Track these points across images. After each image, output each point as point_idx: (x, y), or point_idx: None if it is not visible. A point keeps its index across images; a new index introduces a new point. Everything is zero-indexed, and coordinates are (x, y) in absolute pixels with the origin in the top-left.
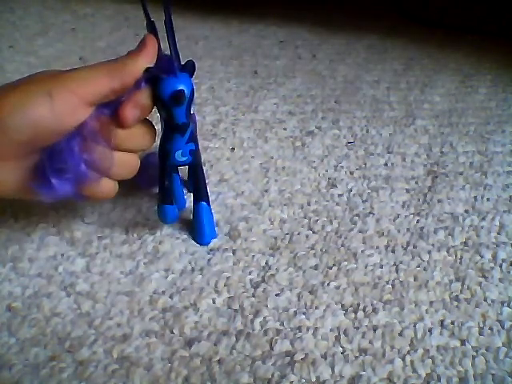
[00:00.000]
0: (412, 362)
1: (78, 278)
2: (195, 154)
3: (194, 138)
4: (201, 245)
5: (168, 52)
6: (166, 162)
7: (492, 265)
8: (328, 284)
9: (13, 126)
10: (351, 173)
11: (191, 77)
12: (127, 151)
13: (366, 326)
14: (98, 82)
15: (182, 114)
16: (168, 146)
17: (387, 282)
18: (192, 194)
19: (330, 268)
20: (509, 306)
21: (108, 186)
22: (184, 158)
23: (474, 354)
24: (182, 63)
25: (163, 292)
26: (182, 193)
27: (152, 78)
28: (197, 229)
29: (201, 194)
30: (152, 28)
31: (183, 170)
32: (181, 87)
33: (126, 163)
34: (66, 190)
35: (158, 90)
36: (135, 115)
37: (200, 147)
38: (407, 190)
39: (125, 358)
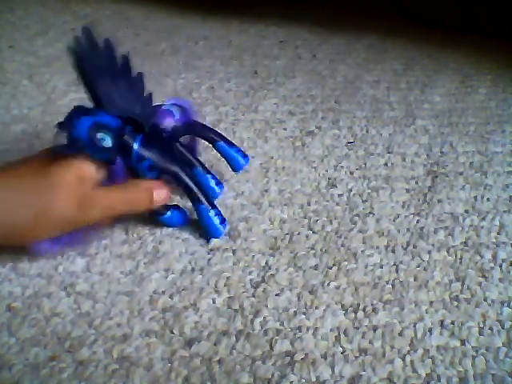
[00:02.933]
0: (412, 362)
1: (78, 278)
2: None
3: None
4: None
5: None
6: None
7: (492, 265)
8: (328, 284)
9: None
10: (351, 173)
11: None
12: None
13: (366, 326)
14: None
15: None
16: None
17: (387, 282)
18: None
19: (330, 268)
20: (509, 305)
21: None
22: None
23: (474, 354)
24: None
25: (163, 292)
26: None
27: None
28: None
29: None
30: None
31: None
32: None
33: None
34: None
35: None
36: None
37: (199, 148)
38: (407, 190)
39: (125, 358)
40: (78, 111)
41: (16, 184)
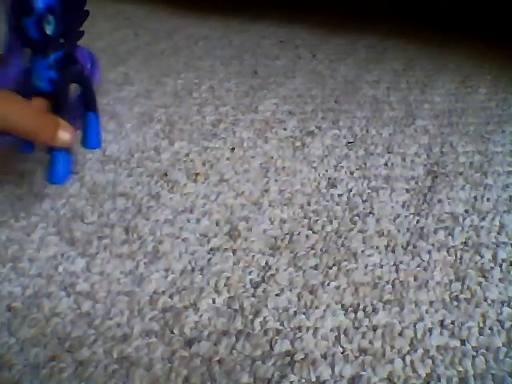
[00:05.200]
0: (412, 362)
1: (78, 278)
2: (56, 84)
3: (63, 68)
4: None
5: None
6: (23, 86)
7: (492, 265)
8: (328, 284)
9: None
10: (351, 173)
11: None
12: None
13: (366, 326)
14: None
15: (31, 26)
16: (28, 67)
17: (387, 282)
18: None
19: (330, 268)
20: (509, 305)
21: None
22: (41, 84)
23: (474, 354)
24: None
25: (163, 292)
26: None
27: None
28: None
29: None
30: None
31: None
32: None
33: None
34: None
35: None
36: None
37: (200, 147)
38: (407, 190)
39: (125, 358)
40: None
41: None
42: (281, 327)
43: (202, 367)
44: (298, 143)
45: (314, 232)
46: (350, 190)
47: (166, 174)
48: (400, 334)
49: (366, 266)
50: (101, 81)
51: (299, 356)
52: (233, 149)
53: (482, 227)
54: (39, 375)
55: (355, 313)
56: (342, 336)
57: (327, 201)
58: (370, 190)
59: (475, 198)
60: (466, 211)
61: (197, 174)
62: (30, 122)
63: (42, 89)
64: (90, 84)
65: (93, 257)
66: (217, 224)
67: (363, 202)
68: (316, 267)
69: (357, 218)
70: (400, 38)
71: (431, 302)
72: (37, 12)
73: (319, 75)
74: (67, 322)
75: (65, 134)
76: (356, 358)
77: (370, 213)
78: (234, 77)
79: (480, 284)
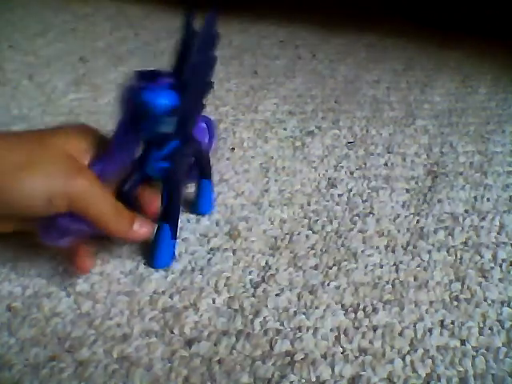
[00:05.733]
0: (412, 362)
1: (78, 278)
2: (170, 172)
3: (178, 157)
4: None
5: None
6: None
7: (492, 265)
8: (328, 284)
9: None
10: (351, 173)
11: (184, 94)
12: None
13: (366, 326)
14: (96, 210)
15: (146, 128)
16: (141, 155)
17: (387, 282)
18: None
19: (330, 268)
20: (509, 305)
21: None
22: (153, 173)
23: (474, 354)
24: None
25: (163, 292)
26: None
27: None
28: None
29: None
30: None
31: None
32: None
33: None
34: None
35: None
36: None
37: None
38: (407, 190)
39: (125, 358)
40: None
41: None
42: (281, 327)
43: (202, 367)
44: (298, 143)
45: (314, 232)
46: (350, 190)
47: None
48: (400, 334)
49: (366, 266)
50: (216, 145)
51: (299, 356)
52: (233, 149)
53: (482, 227)
54: (39, 375)
55: (355, 313)
56: (342, 336)
57: (327, 201)
58: (369, 190)
59: (475, 198)
60: (466, 211)
61: None
62: (108, 211)
63: (153, 177)
64: (207, 156)
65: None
66: (217, 224)
67: (363, 201)
68: (316, 267)
69: (357, 218)
70: (400, 38)
71: (431, 302)
72: (153, 116)
73: (319, 75)
74: (67, 322)
75: (141, 230)
76: (356, 357)
77: (370, 213)
78: (233, 77)
79: (480, 284)
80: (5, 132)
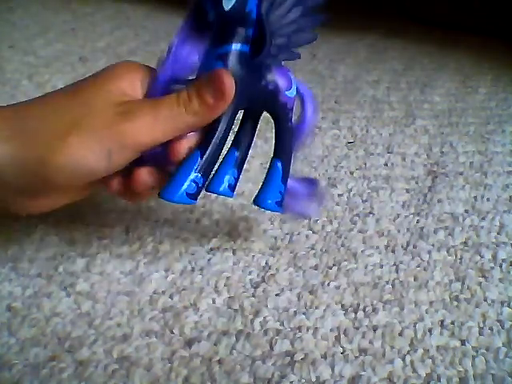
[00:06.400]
0: (412, 362)
1: (78, 278)
2: None
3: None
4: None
5: None
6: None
7: (492, 265)
8: (328, 284)
9: (63, 178)
10: (351, 173)
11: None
12: None
13: (366, 326)
14: (158, 136)
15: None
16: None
17: (387, 282)
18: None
19: (330, 268)
20: (509, 305)
21: None
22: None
23: (474, 354)
24: None
25: (163, 292)
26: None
27: None
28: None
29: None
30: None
31: None
32: None
33: None
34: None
35: None
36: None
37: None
38: (407, 190)
39: (125, 357)
40: None
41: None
42: (281, 327)
43: (202, 367)
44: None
45: (313, 232)
46: (350, 190)
47: None
48: (400, 334)
49: (366, 266)
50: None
51: (299, 356)
52: None
53: (482, 227)
54: (39, 375)
55: (355, 313)
56: (342, 336)
57: (327, 201)
58: (369, 190)
59: (475, 198)
60: (466, 211)
61: None
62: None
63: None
64: (287, 120)
65: (93, 257)
66: (217, 224)
67: (363, 201)
68: (316, 267)
69: (357, 218)
70: (400, 38)
71: (431, 302)
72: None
73: (319, 75)
74: (67, 322)
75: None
76: (356, 357)
77: (370, 213)
78: None
79: (480, 284)
80: (52, 93)
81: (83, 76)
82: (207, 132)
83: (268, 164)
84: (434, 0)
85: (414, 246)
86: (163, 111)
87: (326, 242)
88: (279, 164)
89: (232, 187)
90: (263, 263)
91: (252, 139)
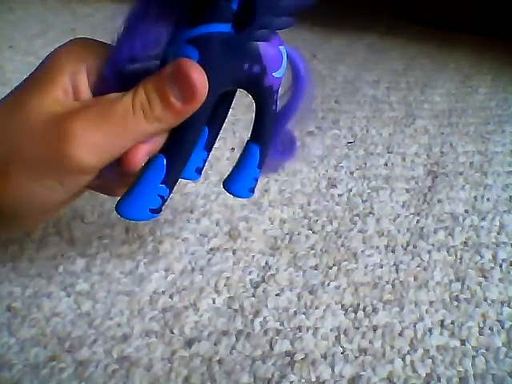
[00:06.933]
0: (412, 362)
1: (78, 278)
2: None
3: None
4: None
5: None
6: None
7: (492, 265)
8: (328, 284)
9: (20, 214)
10: (351, 173)
11: None
12: None
13: (366, 326)
14: (110, 154)
15: None
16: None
17: (387, 282)
18: None
19: (330, 268)
20: (509, 305)
21: None
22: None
23: (474, 353)
24: None
25: (163, 292)
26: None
27: None
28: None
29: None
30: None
31: None
32: None
33: None
34: None
35: None
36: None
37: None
38: (407, 190)
39: (125, 357)
40: None
41: None
42: (281, 327)
43: (202, 367)
44: (298, 143)
45: (313, 232)
46: (350, 190)
47: None
48: (400, 334)
49: (366, 266)
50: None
51: (299, 356)
52: (233, 149)
53: (482, 227)
54: (39, 375)
55: (355, 313)
56: (342, 336)
57: (327, 201)
58: (369, 190)
59: (475, 198)
60: (466, 211)
61: None
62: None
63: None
64: (270, 103)
65: (93, 257)
66: (217, 224)
67: (363, 201)
68: (316, 267)
69: (357, 218)
70: (400, 38)
71: (431, 302)
72: None
73: (319, 75)
74: (67, 322)
75: (199, 77)
76: (356, 357)
77: (370, 213)
78: None
79: (480, 284)
80: None
81: None
82: (173, 131)
83: (244, 145)
84: (434, 0)
85: (414, 246)
86: (114, 123)
87: (325, 242)
88: (257, 149)
89: (199, 170)
90: (263, 263)
91: (225, 117)
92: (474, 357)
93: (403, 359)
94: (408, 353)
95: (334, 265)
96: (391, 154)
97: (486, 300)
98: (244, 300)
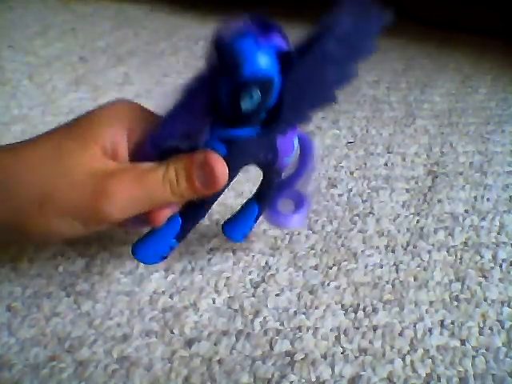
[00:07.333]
0: (412, 362)
1: (78, 278)
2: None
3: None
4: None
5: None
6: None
7: (492, 265)
8: (328, 284)
9: (42, 238)
10: (351, 173)
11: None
12: None
13: (366, 326)
14: (135, 212)
15: (224, 95)
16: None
17: (387, 282)
18: None
19: (330, 268)
20: (509, 305)
21: None
22: None
23: (474, 353)
24: None
25: (163, 292)
26: None
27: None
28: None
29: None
30: None
31: None
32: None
33: None
34: None
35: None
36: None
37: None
38: (407, 190)
39: (125, 357)
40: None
41: (25, 161)
42: (281, 327)
43: (202, 367)
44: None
45: (313, 232)
46: (350, 190)
47: None
48: (400, 334)
49: (366, 266)
50: (310, 176)
51: (299, 356)
52: None
53: (482, 227)
54: (39, 375)
55: (355, 313)
56: (342, 336)
57: (327, 201)
58: (369, 190)
59: (475, 198)
60: (466, 211)
61: None
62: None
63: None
64: (272, 178)
65: (93, 257)
66: (217, 224)
67: (363, 201)
68: (316, 267)
69: (357, 218)
70: (400, 38)
71: (431, 302)
72: (238, 80)
73: None
74: (67, 322)
75: (221, 169)
76: (356, 357)
77: (370, 213)
78: None
79: (480, 284)
80: (41, 143)
81: (83, 76)
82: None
83: (247, 200)
84: (434, 0)
85: (414, 246)
86: (144, 190)
87: (325, 242)
88: (256, 207)
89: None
90: (263, 263)
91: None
92: (474, 357)
93: (403, 359)
94: (408, 353)
95: (334, 265)
96: (391, 154)
97: (486, 300)
98: (244, 300)
